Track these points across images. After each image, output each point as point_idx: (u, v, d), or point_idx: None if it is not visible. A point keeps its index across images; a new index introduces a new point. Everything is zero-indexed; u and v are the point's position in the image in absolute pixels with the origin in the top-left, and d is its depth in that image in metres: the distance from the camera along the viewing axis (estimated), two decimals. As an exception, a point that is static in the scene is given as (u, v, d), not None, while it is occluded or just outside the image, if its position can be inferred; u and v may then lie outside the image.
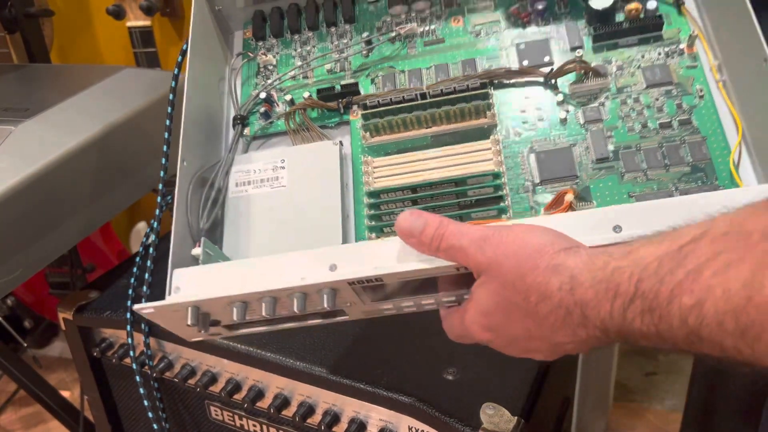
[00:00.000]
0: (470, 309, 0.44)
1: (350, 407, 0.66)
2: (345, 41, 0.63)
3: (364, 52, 0.61)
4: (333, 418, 0.67)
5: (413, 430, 0.63)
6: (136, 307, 0.50)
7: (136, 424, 0.86)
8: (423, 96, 0.55)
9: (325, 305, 0.47)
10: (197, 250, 0.52)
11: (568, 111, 0.54)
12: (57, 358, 1.92)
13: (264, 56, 0.64)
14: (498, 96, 0.56)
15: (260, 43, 0.66)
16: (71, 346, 0.81)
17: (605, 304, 0.36)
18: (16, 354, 1.34)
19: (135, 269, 0.73)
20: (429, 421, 0.60)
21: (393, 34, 0.61)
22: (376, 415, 0.65)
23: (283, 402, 0.69)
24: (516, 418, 0.58)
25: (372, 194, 0.55)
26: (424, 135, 0.56)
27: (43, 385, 1.23)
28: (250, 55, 0.65)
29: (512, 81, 0.56)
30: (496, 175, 0.53)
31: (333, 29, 0.64)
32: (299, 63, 0.63)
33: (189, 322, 0.49)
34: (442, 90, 0.55)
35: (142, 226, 1.73)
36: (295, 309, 0.47)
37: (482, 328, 0.44)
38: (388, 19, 0.63)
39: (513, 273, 0.39)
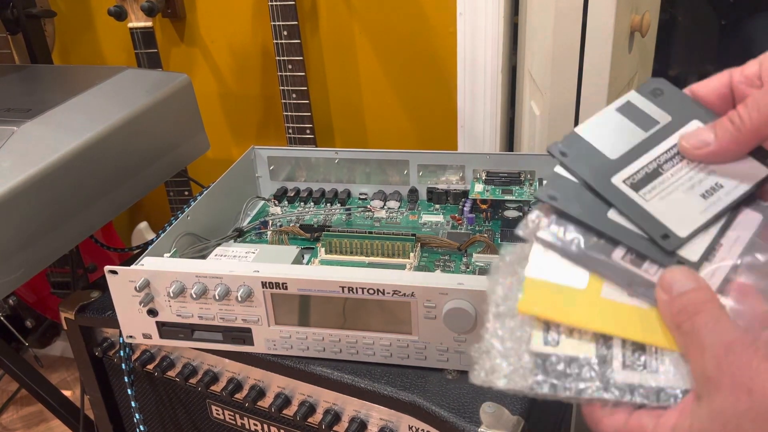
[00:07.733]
0: (676, 422, 0.35)
1: (351, 406, 0.67)
2: (335, 207, 0.91)
3: (344, 218, 0.89)
4: (334, 417, 0.67)
5: (413, 429, 0.64)
6: (107, 268, 0.64)
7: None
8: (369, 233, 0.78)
9: (239, 298, 0.62)
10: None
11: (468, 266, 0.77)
12: (58, 358, 1.93)
13: (275, 206, 0.92)
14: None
15: (275, 201, 0.93)
16: (73, 346, 0.81)
17: None
18: (18, 353, 1.35)
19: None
20: (429, 421, 0.61)
21: (367, 212, 0.89)
22: (376, 414, 0.65)
23: (284, 401, 0.70)
24: (516, 417, 0.58)
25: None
26: (361, 261, 0.77)
27: (45, 385, 1.23)
28: (266, 200, 0.93)
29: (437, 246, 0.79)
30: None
31: (329, 204, 0.92)
32: (296, 212, 0.90)
33: (137, 286, 0.63)
34: (383, 232, 0.78)
35: (143, 226, 1.74)
36: (216, 296, 0.63)
37: None
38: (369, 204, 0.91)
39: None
